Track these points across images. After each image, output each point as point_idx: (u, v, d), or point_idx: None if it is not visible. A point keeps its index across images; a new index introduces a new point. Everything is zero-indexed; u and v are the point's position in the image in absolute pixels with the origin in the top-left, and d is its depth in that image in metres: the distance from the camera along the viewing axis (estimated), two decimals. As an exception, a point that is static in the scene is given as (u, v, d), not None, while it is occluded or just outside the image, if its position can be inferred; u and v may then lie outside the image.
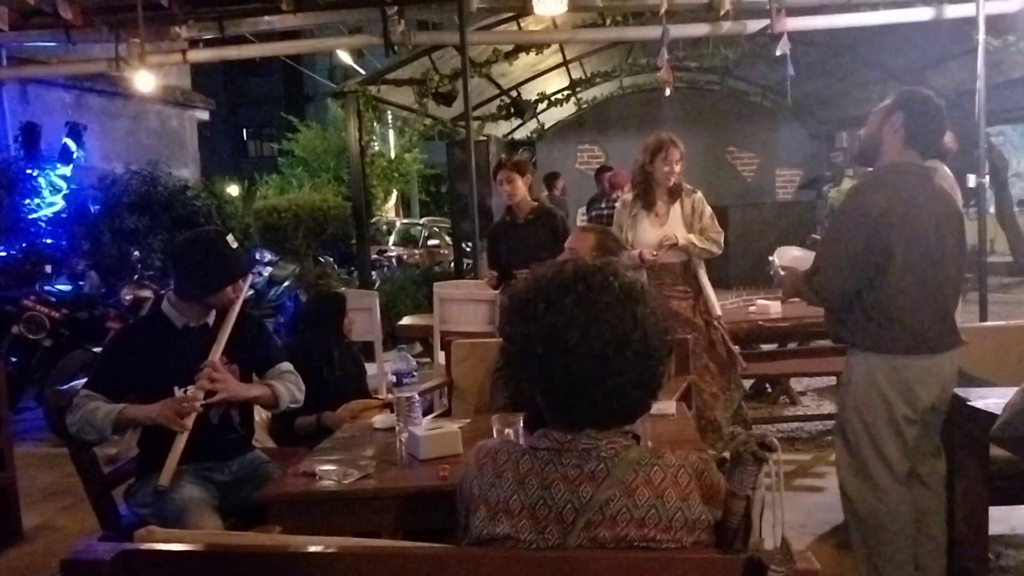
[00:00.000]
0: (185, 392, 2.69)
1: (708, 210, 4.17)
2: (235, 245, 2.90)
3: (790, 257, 3.21)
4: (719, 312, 4.22)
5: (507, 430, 2.18)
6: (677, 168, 4.11)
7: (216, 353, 2.71)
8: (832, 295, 2.70)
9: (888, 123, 2.68)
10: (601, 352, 1.35)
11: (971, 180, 5.84)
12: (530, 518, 1.36)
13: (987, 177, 6.05)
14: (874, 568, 2.73)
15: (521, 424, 2.17)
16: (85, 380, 2.76)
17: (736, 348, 4.34)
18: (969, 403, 2.55)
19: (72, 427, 2.61)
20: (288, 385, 2.89)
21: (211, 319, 2.85)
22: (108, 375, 2.71)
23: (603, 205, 7.91)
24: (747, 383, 6.02)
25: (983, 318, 5.73)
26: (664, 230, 4.12)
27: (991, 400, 2.42)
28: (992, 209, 11.29)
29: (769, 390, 5.97)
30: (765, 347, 5.57)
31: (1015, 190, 13.08)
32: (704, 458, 1.44)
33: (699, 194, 4.22)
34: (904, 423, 2.65)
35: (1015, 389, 2.13)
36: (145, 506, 2.69)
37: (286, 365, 2.97)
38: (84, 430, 2.59)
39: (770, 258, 3.14)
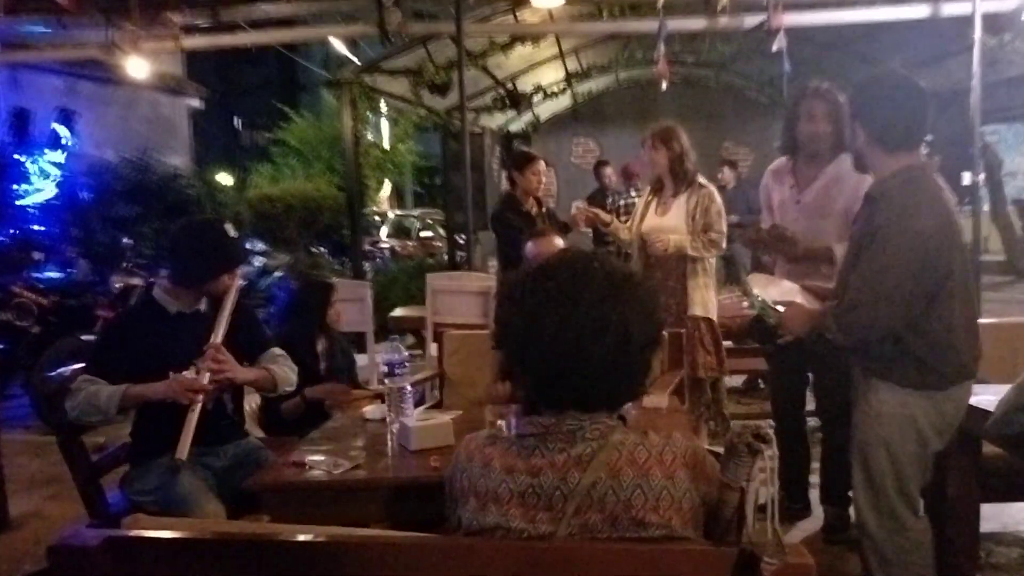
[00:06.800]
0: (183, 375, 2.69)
1: (715, 206, 4.00)
2: (233, 234, 2.90)
3: (777, 291, 2.78)
4: (696, 312, 4.01)
5: (499, 421, 2.17)
6: (660, 160, 4.04)
7: (217, 336, 2.71)
8: (873, 334, 2.34)
9: (856, 136, 2.44)
10: (575, 339, 1.35)
11: (966, 178, 5.85)
12: (519, 506, 1.35)
13: (982, 175, 6.06)
14: None
15: (513, 415, 2.16)
16: (81, 366, 2.74)
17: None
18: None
19: (72, 411, 2.58)
20: (284, 369, 2.92)
21: (203, 306, 2.86)
22: (104, 361, 2.70)
23: (617, 198, 7.96)
24: (740, 379, 6.04)
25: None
26: (664, 220, 4.03)
27: (984, 397, 2.41)
28: (986, 207, 11.31)
29: (762, 386, 5.97)
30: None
31: (1009, 189, 13.11)
32: (690, 438, 1.44)
33: (709, 188, 4.06)
34: (931, 457, 2.46)
35: (1008, 386, 2.12)
36: (146, 493, 2.68)
37: (278, 350, 3.00)
38: (87, 412, 2.56)
39: (754, 291, 2.68)
